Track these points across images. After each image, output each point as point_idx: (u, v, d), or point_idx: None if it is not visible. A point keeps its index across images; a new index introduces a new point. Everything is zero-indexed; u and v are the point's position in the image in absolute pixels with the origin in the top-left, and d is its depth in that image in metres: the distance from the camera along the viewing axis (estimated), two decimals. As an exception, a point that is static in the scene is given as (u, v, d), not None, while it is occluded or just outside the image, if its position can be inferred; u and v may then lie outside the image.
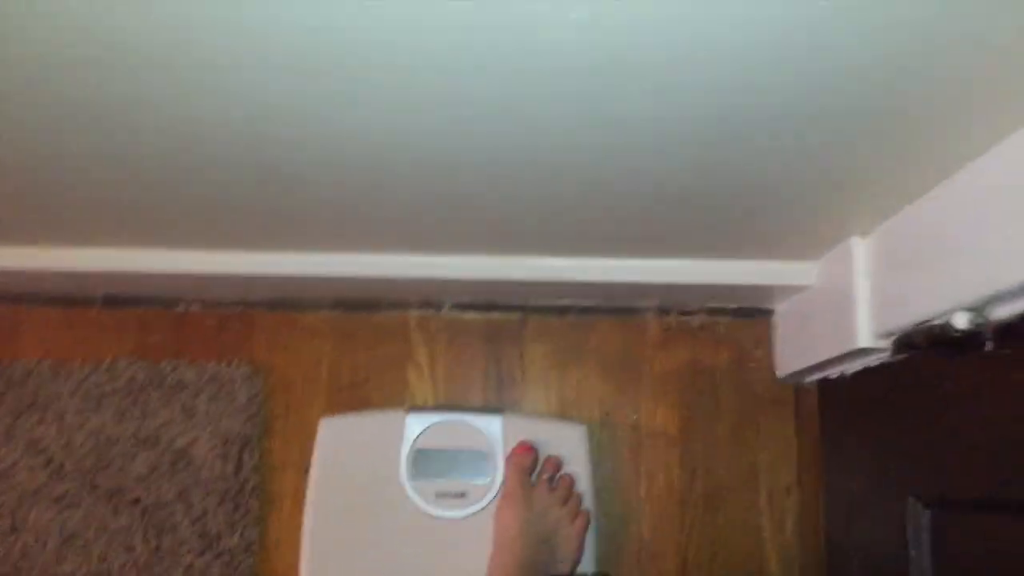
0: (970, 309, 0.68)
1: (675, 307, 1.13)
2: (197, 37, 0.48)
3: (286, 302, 1.12)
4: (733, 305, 1.13)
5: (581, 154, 0.67)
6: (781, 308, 1.11)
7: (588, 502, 1.01)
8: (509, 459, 1.00)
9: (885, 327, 0.82)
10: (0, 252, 0.96)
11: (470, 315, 1.13)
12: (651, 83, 0.54)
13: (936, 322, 0.72)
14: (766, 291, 1.06)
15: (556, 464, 1.01)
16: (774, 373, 1.12)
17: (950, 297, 0.70)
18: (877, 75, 0.50)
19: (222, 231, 0.90)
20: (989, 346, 0.69)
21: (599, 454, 1.09)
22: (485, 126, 0.62)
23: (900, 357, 0.84)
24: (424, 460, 1.03)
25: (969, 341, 0.70)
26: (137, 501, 1.03)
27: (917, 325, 0.76)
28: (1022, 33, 0.45)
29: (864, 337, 0.85)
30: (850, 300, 0.87)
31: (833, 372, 1.00)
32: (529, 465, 0.99)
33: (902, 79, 0.50)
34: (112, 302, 1.11)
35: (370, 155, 0.68)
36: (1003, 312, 0.67)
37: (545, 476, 1.00)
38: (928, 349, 0.75)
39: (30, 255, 0.96)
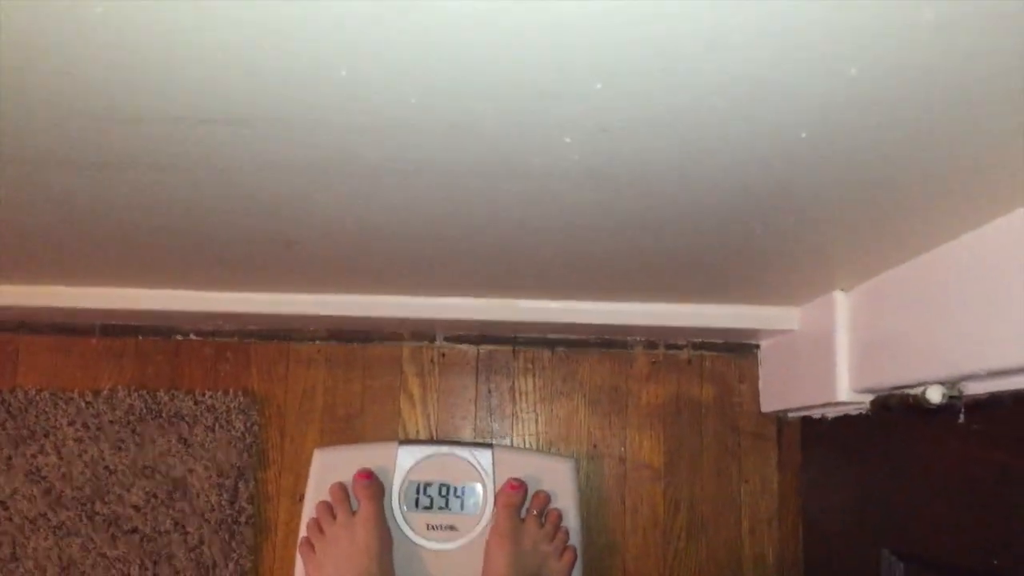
0: (944, 383, 0.71)
1: (662, 341, 1.16)
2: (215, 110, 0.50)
3: (281, 333, 1.14)
4: (719, 340, 1.15)
5: (574, 218, 0.69)
6: (766, 344, 1.14)
7: (575, 536, 1.04)
8: (499, 496, 1.03)
9: (863, 384, 0.85)
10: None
11: (462, 347, 1.15)
12: (652, 171, 0.56)
13: (911, 391, 0.74)
14: (751, 330, 1.08)
15: (544, 500, 1.04)
16: (758, 407, 1.14)
17: (925, 369, 0.72)
18: (867, 157, 0.52)
19: (220, 274, 0.92)
20: (962, 418, 0.72)
21: (586, 485, 1.12)
22: (481, 205, 0.64)
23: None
24: (415, 492, 1.05)
25: (943, 411, 0.73)
26: (135, 530, 1.06)
27: (893, 390, 0.79)
28: (1005, 132, 0.47)
29: (843, 391, 0.88)
30: (831, 351, 0.90)
31: (815, 412, 1.03)
32: (518, 502, 1.02)
33: (891, 162, 0.53)
34: (110, 331, 1.13)
35: (366, 219, 0.70)
36: (976, 388, 0.70)
37: (534, 512, 1.03)
38: (903, 413, 0.78)
39: (28, 293, 0.98)
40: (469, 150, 0.52)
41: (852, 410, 0.93)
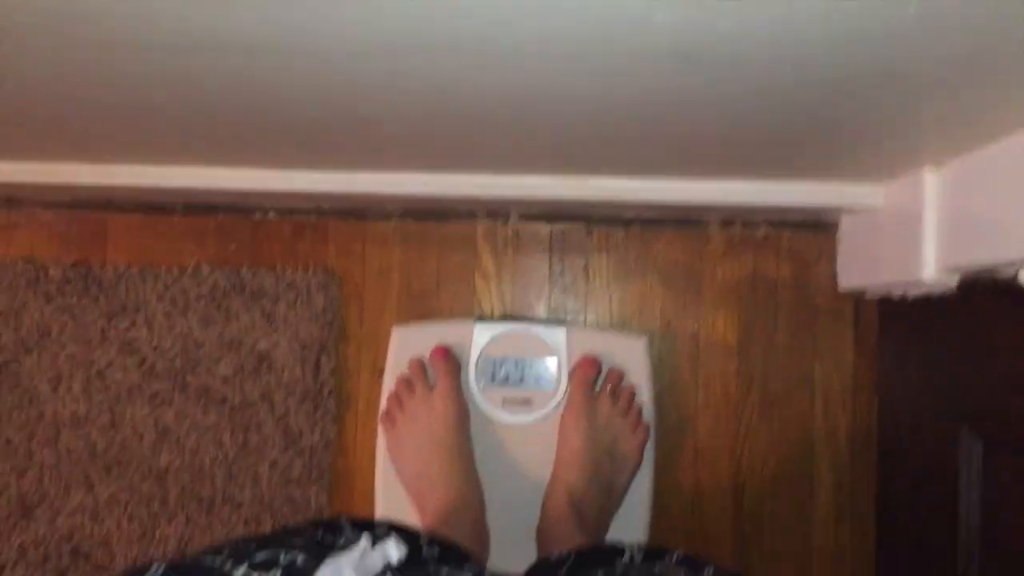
0: (1038, 264, 0.69)
1: (739, 218, 1.14)
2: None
3: (357, 211, 1.15)
4: (798, 218, 1.13)
5: (656, 96, 0.67)
6: (846, 222, 1.11)
7: (647, 413, 1.06)
8: (573, 372, 1.05)
9: (950, 262, 0.83)
10: (84, 169, 1.00)
11: (536, 225, 1.15)
12: (746, 48, 0.54)
13: (1002, 274, 0.73)
14: (832, 208, 1.06)
15: (618, 376, 1.05)
16: (835, 285, 1.13)
17: (1018, 250, 0.70)
18: (975, 32, 0.49)
19: (298, 154, 0.93)
20: (1054, 301, 0.70)
21: (658, 363, 1.13)
22: (561, 85, 0.63)
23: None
24: (491, 368, 1.08)
25: (1034, 293, 0.71)
26: (224, 400, 1.11)
27: (983, 270, 0.77)
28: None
29: (929, 270, 0.86)
30: (918, 230, 0.87)
31: (895, 291, 1.02)
32: (592, 378, 1.04)
33: (1005, 34, 0.50)
34: (191, 210, 1.15)
35: (445, 98, 0.69)
36: (1071, 270, 0.68)
37: (608, 388, 1.04)
38: (991, 297, 0.76)
39: (112, 172, 1.00)
40: (556, 31, 0.51)
41: (935, 290, 0.92)
